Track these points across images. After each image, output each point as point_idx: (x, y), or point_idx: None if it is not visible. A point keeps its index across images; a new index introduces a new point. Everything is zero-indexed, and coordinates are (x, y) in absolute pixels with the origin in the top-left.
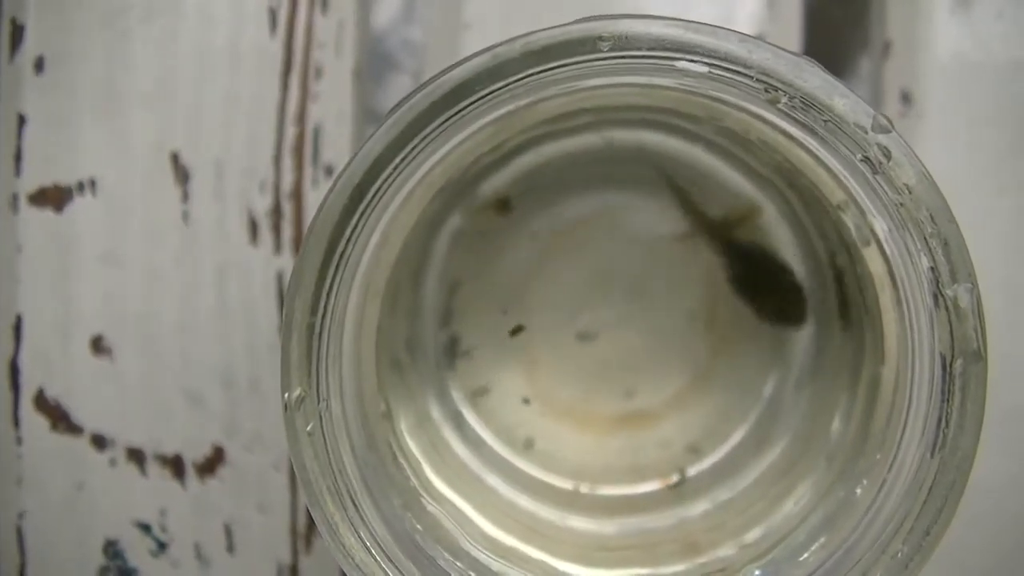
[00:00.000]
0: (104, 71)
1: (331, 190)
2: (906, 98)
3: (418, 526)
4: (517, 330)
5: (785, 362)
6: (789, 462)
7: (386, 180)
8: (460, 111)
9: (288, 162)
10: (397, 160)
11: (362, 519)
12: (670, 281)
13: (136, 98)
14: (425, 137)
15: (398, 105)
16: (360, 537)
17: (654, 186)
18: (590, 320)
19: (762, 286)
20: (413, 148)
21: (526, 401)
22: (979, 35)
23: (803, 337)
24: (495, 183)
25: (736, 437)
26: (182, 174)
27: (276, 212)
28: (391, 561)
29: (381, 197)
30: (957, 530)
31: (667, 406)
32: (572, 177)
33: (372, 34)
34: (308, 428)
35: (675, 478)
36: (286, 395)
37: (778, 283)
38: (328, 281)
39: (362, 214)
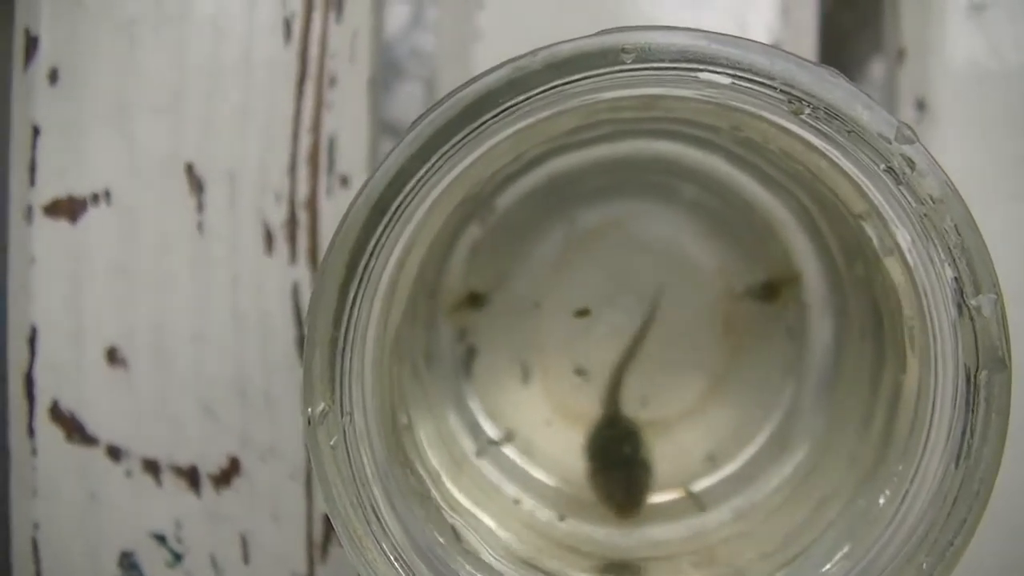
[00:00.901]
0: (118, 82)
1: (352, 205)
2: (921, 105)
3: (440, 539)
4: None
5: (803, 370)
6: (808, 471)
7: (408, 195)
8: (482, 124)
9: (303, 172)
10: (419, 174)
11: (385, 531)
12: (684, 288)
13: (150, 109)
14: (447, 151)
15: (420, 119)
16: (383, 550)
17: (666, 193)
18: (604, 328)
19: (616, 462)
20: (435, 162)
21: (541, 411)
22: (993, 41)
23: (821, 345)
24: (511, 194)
25: (754, 446)
26: (196, 185)
27: (291, 222)
28: (413, 572)
29: (403, 212)
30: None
31: (684, 414)
32: (589, 187)
33: (382, 43)
34: (332, 442)
35: (683, 493)
36: (309, 410)
37: (631, 463)
38: (351, 296)
39: (384, 229)
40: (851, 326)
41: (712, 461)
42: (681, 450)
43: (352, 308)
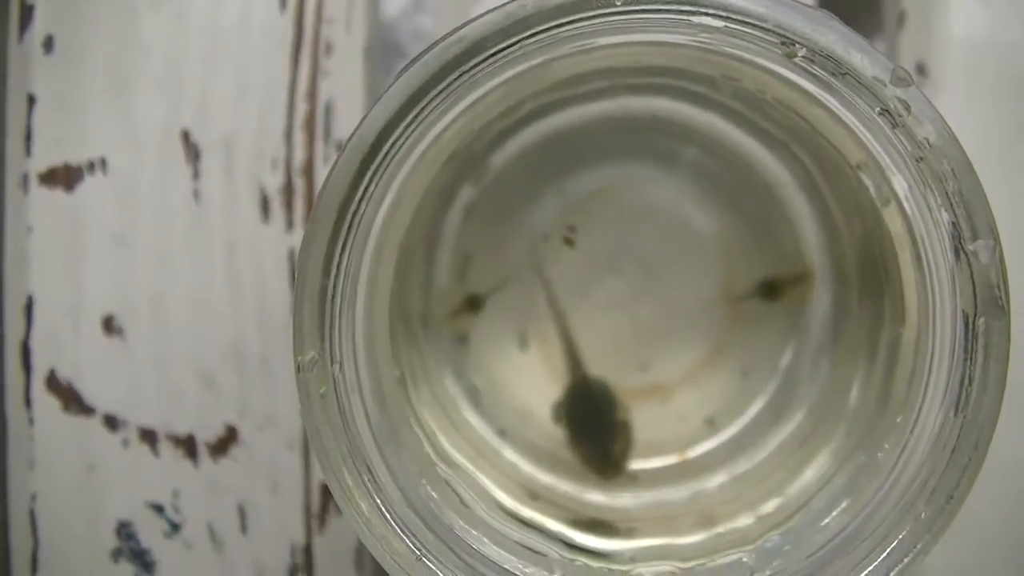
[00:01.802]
0: (113, 50)
1: (342, 151)
2: (921, 70)
3: (433, 493)
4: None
5: (803, 333)
6: (807, 432)
7: (397, 141)
8: (472, 69)
9: (299, 138)
10: (408, 119)
11: (377, 484)
12: (684, 253)
13: (146, 76)
14: (436, 97)
15: (409, 64)
16: (375, 503)
17: (667, 157)
18: (604, 294)
19: (591, 426)
20: (424, 108)
21: (539, 377)
22: (994, 7)
23: (821, 309)
24: (506, 152)
25: (754, 409)
26: (192, 152)
27: (288, 189)
28: (407, 527)
29: (393, 158)
30: (980, 507)
31: (683, 379)
32: (585, 149)
33: (382, 22)
34: (321, 391)
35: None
36: (299, 358)
37: (607, 427)
38: (340, 242)
39: (373, 175)
40: (850, 286)
41: (711, 426)
42: (680, 415)
43: (342, 256)
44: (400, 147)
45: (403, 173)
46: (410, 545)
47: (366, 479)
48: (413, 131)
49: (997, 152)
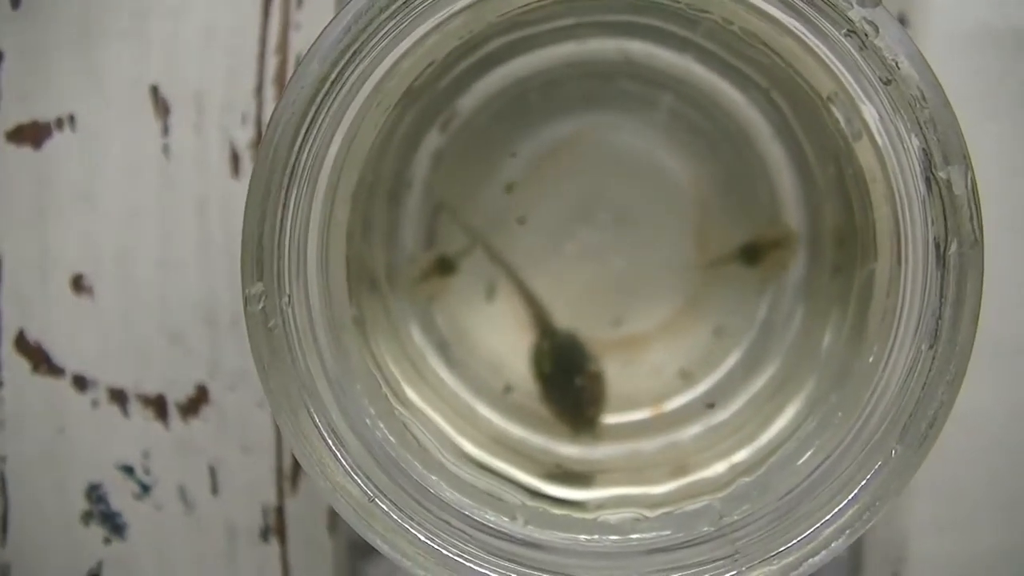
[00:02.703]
0: (80, 5)
1: (291, 80)
2: (902, 22)
3: (390, 437)
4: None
5: (779, 283)
6: (782, 380)
7: (349, 63)
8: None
9: (270, 93)
10: (358, 44)
11: (329, 424)
12: (658, 203)
13: (113, 32)
14: (385, 24)
15: None
16: (327, 443)
17: (641, 104)
18: (577, 245)
19: (562, 380)
20: (372, 36)
21: (507, 329)
22: None
23: (798, 251)
24: (474, 96)
25: (729, 362)
26: (162, 108)
27: (258, 144)
28: (360, 468)
29: (344, 85)
30: (958, 464)
31: (657, 332)
32: (557, 94)
33: None
34: (270, 324)
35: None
36: (246, 291)
37: (578, 380)
38: (288, 173)
39: (322, 102)
40: (825, 233)
41: (686, 378)
42: (654, 368)
43: (290, 189)
44: (352, 72)
45: (357, 104)
46: (363, 487)
47: (317, 418)
48: (365, 58)
49: (978, 102)
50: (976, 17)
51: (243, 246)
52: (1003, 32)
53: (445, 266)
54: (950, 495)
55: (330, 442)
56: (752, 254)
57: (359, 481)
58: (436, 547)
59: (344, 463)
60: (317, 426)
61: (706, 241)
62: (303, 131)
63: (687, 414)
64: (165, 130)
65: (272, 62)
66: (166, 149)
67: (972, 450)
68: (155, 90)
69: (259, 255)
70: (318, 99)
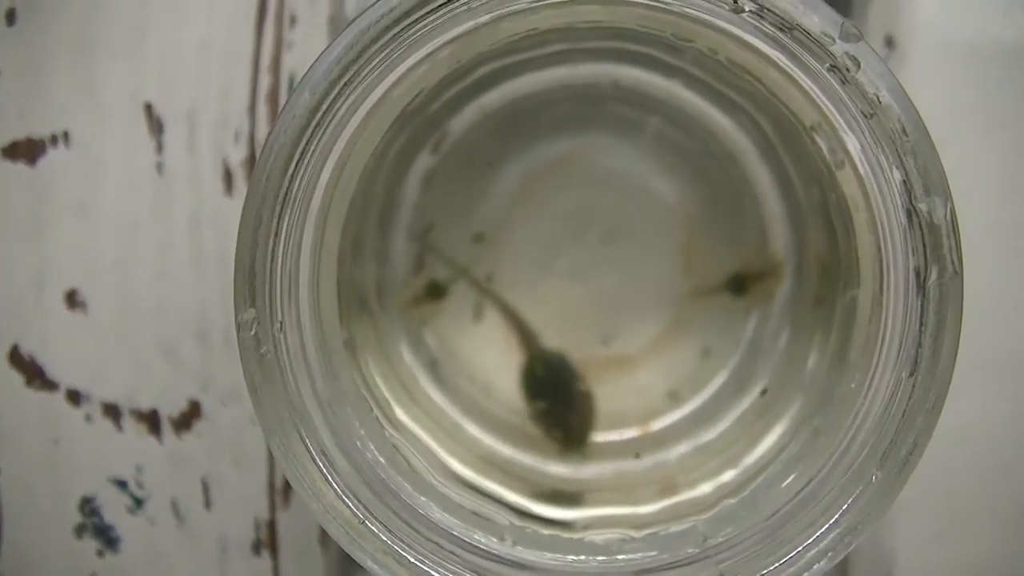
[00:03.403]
0: (77, 22)
1: (283, 109)
2: (889, 42)
3: (380, 458)
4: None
5: (765, 304)
6: (768, 402)
7: (340, 93)
8: (415, 24)
9: (263, 111)
10: (350, 75)
11: (322, 449)
12: (646, 224)
13: (109, 49)
14: (378, 53)
15: (354, 20)
16: (318, 465)
17: (630, 127)
18: (566, 265)
19: (551, 399)
20: (367, 64)
21: (496, 348)
22: None
23: (784, 278)
24: (467, 117)
25: (717, 382)
26: (156, 125)
27: (251, 162)
28: (350, 490)
29: (335, 114)
30: (952, 476)
31: (645, 352)
32: (547, 117)
33: None
34: (262, 351)
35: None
36: (239, 316)
37: (567, 400)
38: (280, 201)
39: (314, 131)
40: (810, 257)
41: (673, 398)
42: (642, 388)
43: (282, 215)
44: (344, 100)
45: (347, 133)
46: (353, 509)
47: (309, 442)
48: (356, 85)
49: (962, 124)
50: (962, 34)
51: (236, 273)
52: (988, 48)
53: (435, 291)
54: (939, 510)
55: (321, 465)
56: (739, 285)
57: (350, 503)
58: (426, 568)
59: (335, 485)
60: (309, 449)
61: (693, 262)
62: (295, 159)
63: (675, 434)
64: (159, 147)
65: (265, 81)
66: (159, 166)
67: (963, 464)
68: (149, 107)
69: (251, 282)
70: (310, 128)
